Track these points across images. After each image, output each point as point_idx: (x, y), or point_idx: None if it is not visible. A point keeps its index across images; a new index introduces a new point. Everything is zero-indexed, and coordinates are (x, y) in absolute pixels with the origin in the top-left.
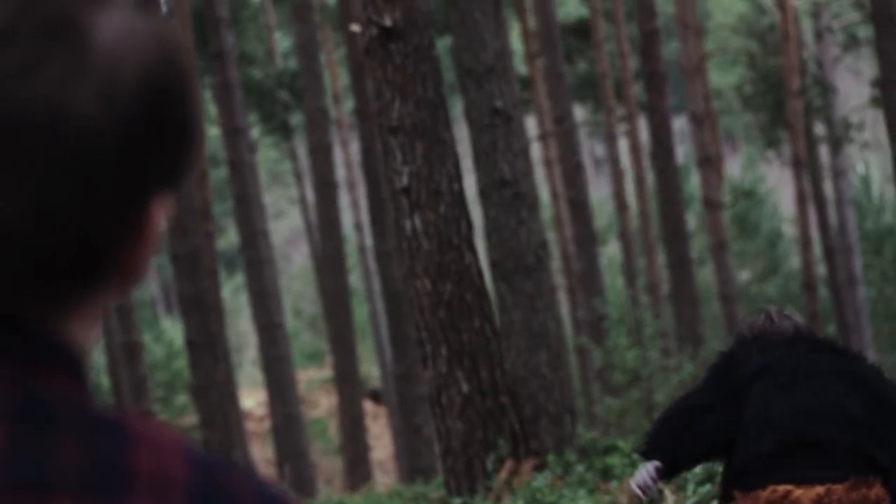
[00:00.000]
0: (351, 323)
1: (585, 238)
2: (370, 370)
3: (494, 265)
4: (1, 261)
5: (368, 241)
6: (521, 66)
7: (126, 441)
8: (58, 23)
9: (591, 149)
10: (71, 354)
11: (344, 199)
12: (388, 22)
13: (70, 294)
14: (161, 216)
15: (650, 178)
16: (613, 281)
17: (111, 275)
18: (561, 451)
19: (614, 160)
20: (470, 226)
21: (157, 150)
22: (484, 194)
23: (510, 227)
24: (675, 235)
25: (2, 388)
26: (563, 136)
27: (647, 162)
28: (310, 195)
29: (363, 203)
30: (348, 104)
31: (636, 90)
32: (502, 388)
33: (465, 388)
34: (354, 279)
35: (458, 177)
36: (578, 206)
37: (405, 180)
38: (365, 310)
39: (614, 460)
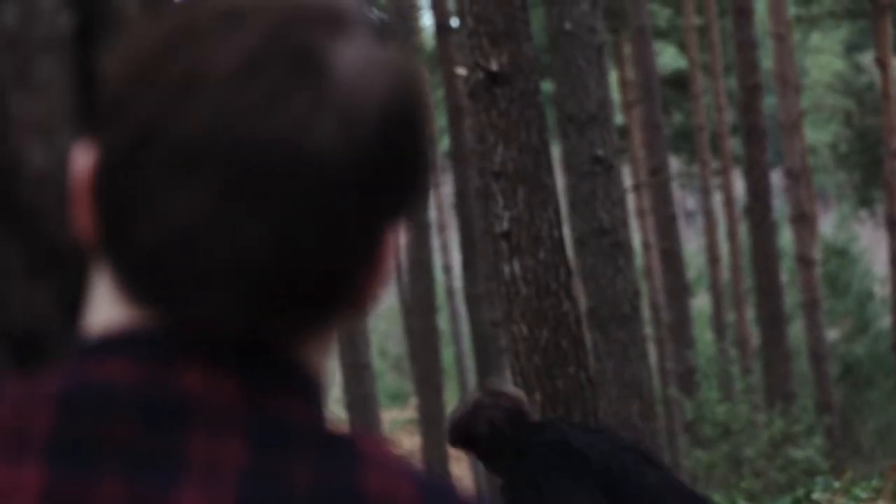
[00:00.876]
0: (438, 364)
1: (677, 289)
2: None
3: (590, 313)
4: (242, 287)
5: (457, 283)
6: (617, 115)
7: (357, 462)
8: (300, 55)
9: (682, 200)
10: (305, 378)
11: (433, 241)
12: (494, 66)
13: (306, 321)
14: (394, 245)
15: (742, 231)
16: (702, 333)
17: (346, 303)
18: None
19: (708, 212)
20: (569, 272)
21: (394, 180)
22: (581, 242)
23: (607, 276)
24: (768, 290)
25: (240, 407)
26: (657, 186)
27: (740, 215)
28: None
29: (453, 245)
30: (442, 146)
31: (732, 144)
32: None
33: None
34: (441, 321)
35: (558, 223)
36: (671, 256)
37: (506, 225)
38: (450, 352)
39: None
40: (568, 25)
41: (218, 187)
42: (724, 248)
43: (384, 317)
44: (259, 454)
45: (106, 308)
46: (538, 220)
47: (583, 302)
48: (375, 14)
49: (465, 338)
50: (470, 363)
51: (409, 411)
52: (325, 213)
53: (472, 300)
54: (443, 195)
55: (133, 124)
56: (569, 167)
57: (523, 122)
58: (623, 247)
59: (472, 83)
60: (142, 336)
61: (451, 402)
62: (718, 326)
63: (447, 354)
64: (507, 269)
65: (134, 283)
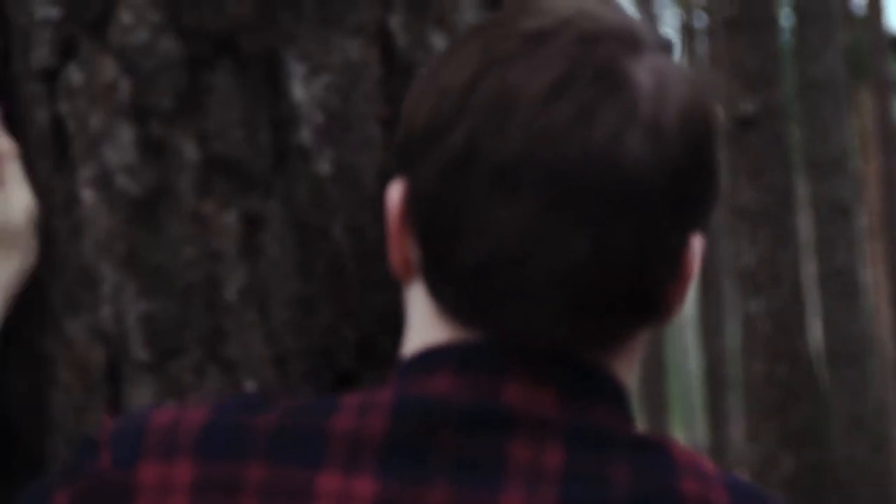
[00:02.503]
0: (665, 392)
1: None
2: (677, 439)
3: (827, 352)
4: (562, 299)
5: (689, 314)
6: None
7: (673, 467)
8: (605, 71)
9: None
10: (616, 386)
11: None
12: (746, 110)
13: (618, 330)
14: (696, 255)
15: None
16: None
17: (655, 310)
18: None
19: None
20: (805, 312)
21: (696, 186)
22: (822, 282)
23: (843, 317)
24: None
25: (558, 416)
26: (890, 232)
27: None
28: None
29: None
30: None
31: None
32: (828, 471)
33: (790, 467)
34: (671, 350)
35: (797, 263)
36: None
37: (749, 261)
38: (679, 382)
39: None
40: (815, 74)
41: (538, 203)
42: None
43: None
44: (579, 459)
45: (426, 327)
46: (779, 259)
47: (818, 340)
48: (662, 32)
49: (693, 369)
50: (698, 394)
51: None
52: (640, 221)
53: (707, 332)
54: None
55: (450, 151)
56: (813, 210)
57: (770, 163)
58: (860, 289)
59: (725, 124)
60: (465, 351)
61: (674, 431)
62: None
63: (676, 384)
64: (748, 304)
65: (457, 301)
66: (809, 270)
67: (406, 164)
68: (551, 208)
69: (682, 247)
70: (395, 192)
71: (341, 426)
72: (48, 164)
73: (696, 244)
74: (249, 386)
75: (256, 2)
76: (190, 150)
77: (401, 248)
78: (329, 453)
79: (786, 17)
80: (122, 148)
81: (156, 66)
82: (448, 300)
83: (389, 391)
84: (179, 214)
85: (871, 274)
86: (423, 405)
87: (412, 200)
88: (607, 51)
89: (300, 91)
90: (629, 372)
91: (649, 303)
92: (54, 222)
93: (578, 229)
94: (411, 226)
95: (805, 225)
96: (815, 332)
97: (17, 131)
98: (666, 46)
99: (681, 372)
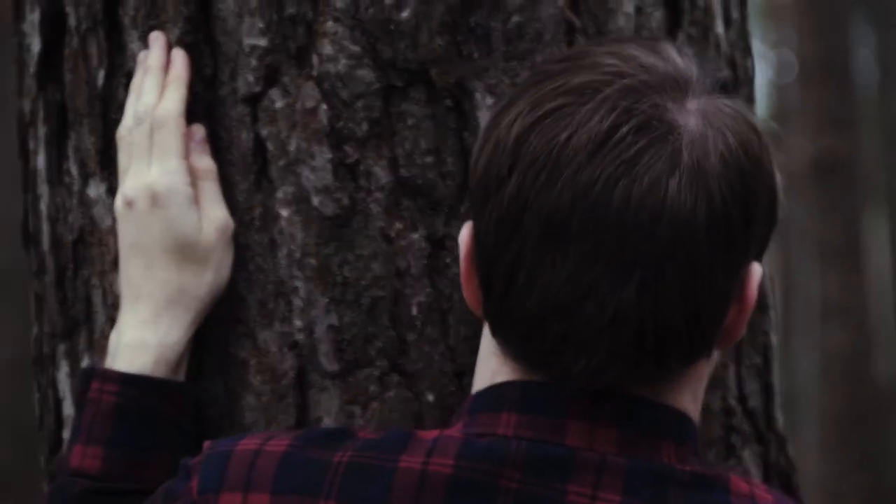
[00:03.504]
0: None
1: None
2: None
3: None
4: (616, 345)
5: None
6: None
7: (727, 499)
8: (650, 121)
9: None
10: (676, 420)
11: None
12: (824, 150)
13: (676, 366)
14: (755, 284)
15: None
16: None
17: (711, 342)
18: None
19: None
20: (874, 344)
21: (747, 224)
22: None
23: None
24: None
25: (617, 455)
26: None
27: None
28: None
29: None
30: None
31: None
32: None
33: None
34: None
35: (867, 297)
36: None
37: (822, 295)
38: None
39: None
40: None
41: (586, 254)
42: None
43: None
44: (635, 498)
45: (493, 366)
46: (852, 293)
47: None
48: (720, 71)
49: None
50: None
51: None
52: (685, 264)
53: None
54: None
55: (503, 205)
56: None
57: (845, 201)
58: None
59: (804, 164)
60: (529, 391)
61: None
62: None
63: None
64: (823, 336)
65: (517, 347)
66: (886, 304)
67: (472, 209)
68: (598, 258)
69: (735, 281)
70: (465, 234)
71: (410, 465)
72: (249, 183)
73: (755, 272)
74: (430, 398)
75: (449, 36)
76: (381, 174)
77: (470, 287)
78: (397, 494)
79: (865, 60)
80: (318, 169)
81: (353, 93)
82: (510, 343)
83: (457, 429)
84: (369, 233)
85: None
86: (486, 447)
87: (476, 246)
88: (652, 100)
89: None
90: (693, 399)
91: (703, 338)
92: (251, 237)
93: (625, 277)
94: (476, 269)
95: (884, 260)
96: (890, 364)
97: (219, 151)
98: (722, 86)
99: None
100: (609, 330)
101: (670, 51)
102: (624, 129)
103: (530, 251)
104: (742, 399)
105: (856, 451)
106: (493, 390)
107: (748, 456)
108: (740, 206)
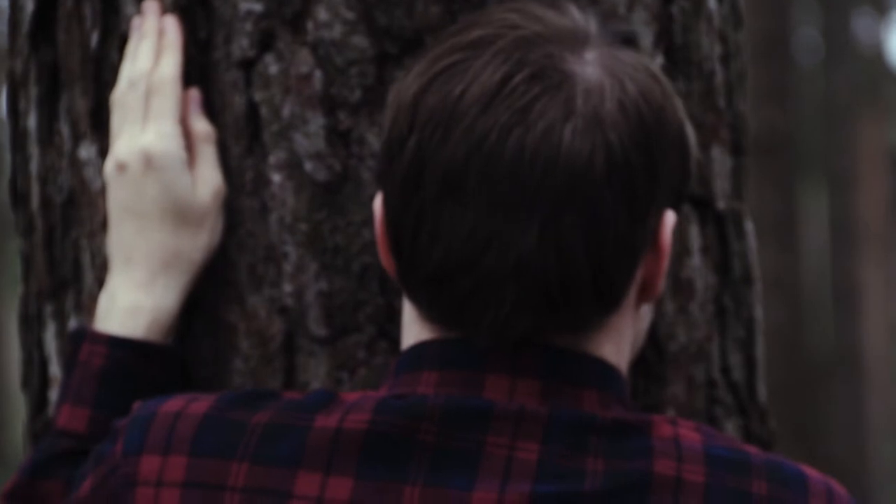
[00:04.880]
0: None
1: None
2: None
3: (827, 359)
4: (523, 294)
5: None
6: None
7: (649, 449)
8: (542, 71)
9: None
10: (597, 368)
11: None
12: (762, 126)
13: (592, 316)
14: (668, 231)
15: None
16: None
17: (629, 293)
18: None
19: None
20: (803, 320)
21: (651, 173)
22: (832, 292)
23: (847, 326)
24: None
25: (537, 406)
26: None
27: None
28: None
29: None
30: None
31: None
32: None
33: None
34: None
35: (800, 273)
36: None
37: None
38: None
39: None
40: (834, 94)
41: (484, 205)
42: None
43: None
44: (554, 451)
45: (413, 329)
46: (785, 269)
47: (826, 347)
48: (620, 28)
49: None
50: None
51: None
52: (586, 212)
53: None
54: None
55: (404, 165)
56: (825, 223)
57: (780, 177)
58: (861, 298)
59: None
60: (447, 348)
61: None
62: None
63: None
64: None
65: (430, 307)
66: (823, 278)
67: (381, 175)
68: (497, 209)
69: (644, 230)
70: (377, 201)
71: (326, 424)
72: (241, 147)
73: (668, 222)
74: None
75: (444, 4)
76: (374, 141)
77: (385, 253)
78: (310, 453)
79: (808, 37)
80: (311, 135)
81: (347, 60)
82: (423, 303)
83: (382, 391)
84: (361, 200)
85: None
86: (404, 403)
87: (385, 210)
88: (546, 50)
89: None
90: (617, 352)
91: (612, 287)
92: (243, 202)
93: (524, 226)
94: (387, 233)
95: (818, 237)
96: (823, 338)
97: (212, 115)
98: (625, 40)
99: None
100: (513, 280)
101: (571, 8)
102: (517, 79)
103: (431, 208)
104: (725, 371)
105: (791, 422)
106: (414, 350)
107: (731, 428)
108: (642, 154)
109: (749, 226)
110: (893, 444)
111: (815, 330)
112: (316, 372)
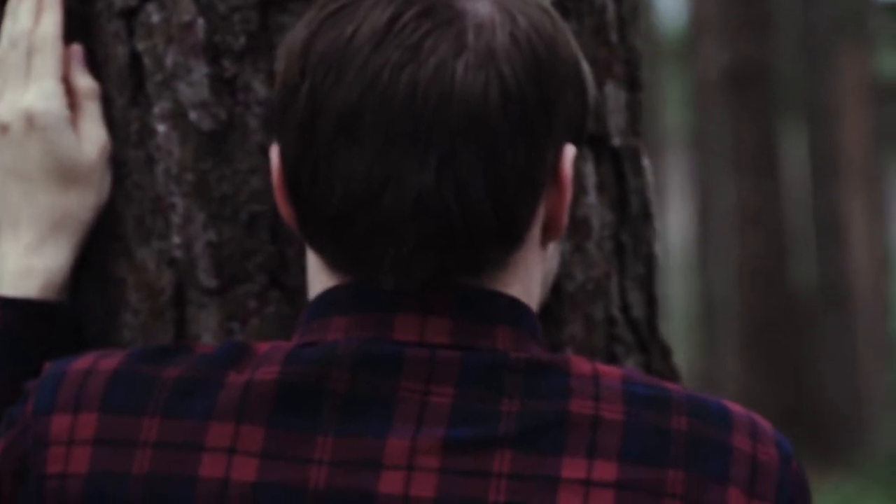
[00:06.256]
0: None
1: None
2: None
3: (815, 291)
4: (423, 233)
5: (675, 252)
6: None
7: (566, 389)
8: (433, 7)
9: None
10: (509, 305)
11: None
12: (738, 56)
13: (496, 254)
14: (569, 165)
15: None
16: None
17: (532, 230)
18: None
19: None
20: (788, 252)
21: (546, 106)
22: (814, 224)
23: (832, 258)
24: None
25: (449, 348)
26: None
27: None
28: None
29: None
30: None
31: None
32: (811, 406)
33: (783, 401)
34: None
35: (783, 205)
36: None
37: (739, 203)
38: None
39: None
40: (814, 23)
41: (379, 144)
42: None
43: None
44: (468, 393)
45: (319, 278)
46: (768, 201)
47: (810, 279)
48: None
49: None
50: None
51: None
52: (483, 147)
53: (700, 269)
54: None
55: (299, 107)
56: (806, 155)
57: (760, 108)
58: (845, 230)
59: (720, 70)
60: (355, 293)
61: None
62: None
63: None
64: (740, 244)
65: (332, 253)
66: (803, 212)
67: (277, 125)
68: (393, 147)
69: (544, 167)
70: (274, 152)
71: (238, 379)
72: (125, 98)
73: (568, 155)
74: None
75: None
76: (259, 88)
77: (284, 204)
78: (222, 407)
79: None
80: (195, 84)
81: (230, 7)
82: (325, 250)
83: (293, 340)
84: (247, 148)
85: (859, 217)
86: (313, 352)
87: (281, 160)
88: None
89: None
90: (525, 293)
91: (514, 223)
92: (128, 153)
93: (422, 163)
94: (284, 183)
95: (800, 169)
96: (807, 272)
97: (95, 67)
98: None
99: (667, 306)
100: (413, 219)
101: None
102: (406, 16)
103: (327, 151)
104: (625, 309)
105: (775, 359)
106: (322, 298)
107: (631, 366)
108: (536, 87)
109: (646, 161)
110: (885, 376)
111: (800, 265)
112: (207, 324)
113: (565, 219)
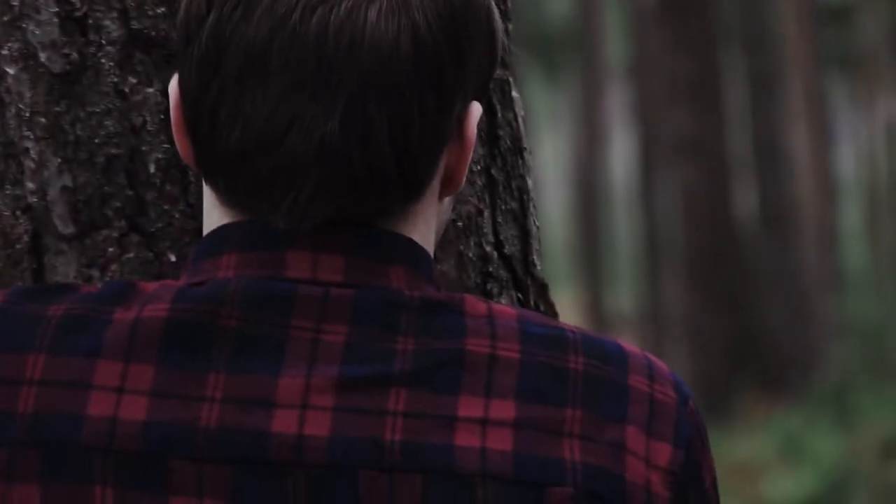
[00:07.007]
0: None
1: None
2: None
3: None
4: (325, 177)
5: (619, 182)
6: None
7: (462, 328)
8: None
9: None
10: (406, 248)
11: None
12: None
13: (396, 203)
14: (474, 121)
15: None
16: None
17: (432, 182)
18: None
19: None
20: (732, 179)
21: (458, 58)
22: (753, 151)
23: (772, 184)
24: None
25: (343, 287)
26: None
27: None
28: None
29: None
30: None
31: None
32: (755, 332)
33: (723, 330)
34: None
35: (724, 133)
36: None
37: (681, 133)
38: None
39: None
40: None
41: (287, 85)
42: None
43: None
44: (362, 332)
45: (213, 216)
46: (709, 129)
47: (752, 206)
48: None
49: (622, 236)
50: (626, 262)
51: None
52: (388, 94)
53: (643, 200)
54: None
55: (204, 40)
56: (745, 82)
57: (700, 37)
58: (785, 156)
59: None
60: (247, 231)
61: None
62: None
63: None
64: (682, 173)
65: (229, 190)
66: (743, 141)
67: (178, 56)
68: (301, 89)
69: (450, 120)
70: (173, 83)
71: (125, 316)
72: None
73: (475, 112)
74: (172, 258)
75: None
76: (112, 26)
77: (181, 137)
78: (110, 345)
79: None
80: (44, 24)
81: None
82: (220, 187)
83: (182, 279)
84: (101, 89)
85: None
86: (203, 290)
87: (181, 93)
88: None
89: None
90: (424, 243)
91: (416, 174)
92: None
93: (328, 108)
94: (183, 116)
95: (741, 97)
96: (749, 199)
97: None
98: None
99: (611, 240)
100: (316, 163)
101: None
102: None
103: (232, 87)
104: (498, 245)
105: (721, 289)
106: (213, 235)
107: (506, 302)
108: (449, 38)
109: (516, 94)
110: (832, 300)
111: (744, 195)
112: (65, 271)
113: (464, 175)
